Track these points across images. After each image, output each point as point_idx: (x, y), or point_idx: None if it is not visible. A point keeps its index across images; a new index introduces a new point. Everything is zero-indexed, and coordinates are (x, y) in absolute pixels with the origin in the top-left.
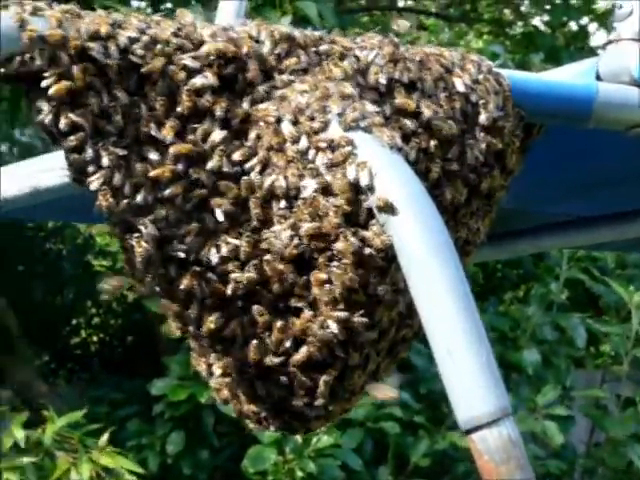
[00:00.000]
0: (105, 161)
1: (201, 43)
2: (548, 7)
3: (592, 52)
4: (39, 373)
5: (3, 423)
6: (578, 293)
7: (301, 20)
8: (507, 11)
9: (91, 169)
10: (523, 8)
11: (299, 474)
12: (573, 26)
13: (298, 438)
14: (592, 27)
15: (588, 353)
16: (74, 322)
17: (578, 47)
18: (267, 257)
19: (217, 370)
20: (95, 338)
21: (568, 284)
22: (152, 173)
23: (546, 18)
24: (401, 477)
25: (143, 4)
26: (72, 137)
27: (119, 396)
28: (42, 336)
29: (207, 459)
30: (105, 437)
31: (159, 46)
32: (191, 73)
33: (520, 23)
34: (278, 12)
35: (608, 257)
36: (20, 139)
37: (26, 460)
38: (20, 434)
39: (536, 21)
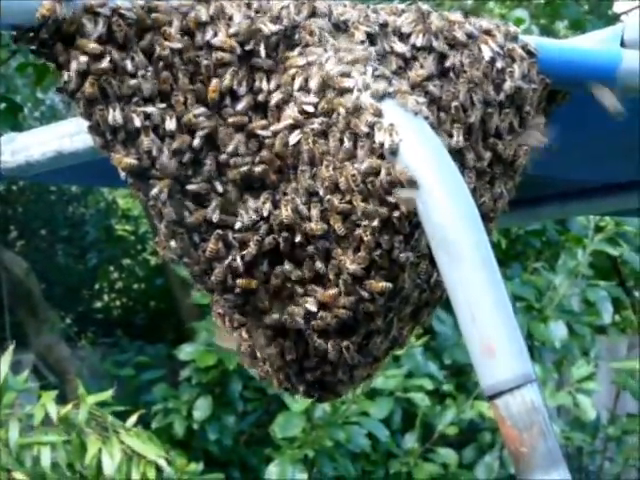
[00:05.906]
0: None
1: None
2: None
3: (615, 19)
4: (62, 337)
5: (29, 397)
6: (601, 260)
7: None
8: None
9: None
10: None
11: (328, 443)
12: None
13: (326, 406)
14: None
15: (612, 321)
16: (97, 286)
17: (602, 13)
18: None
19: (243, 334)
20: (118, 302)
21: (592, 252)
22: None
23: None
24: (427, 445)
25: None
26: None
27: (143, 359)
28: (65, 300)
29: (233, 424)
30: (133, 419)
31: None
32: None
33: None
34: None
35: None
36: (44, 100)
37: (58, 438)
38: (53, 409)
39: None
